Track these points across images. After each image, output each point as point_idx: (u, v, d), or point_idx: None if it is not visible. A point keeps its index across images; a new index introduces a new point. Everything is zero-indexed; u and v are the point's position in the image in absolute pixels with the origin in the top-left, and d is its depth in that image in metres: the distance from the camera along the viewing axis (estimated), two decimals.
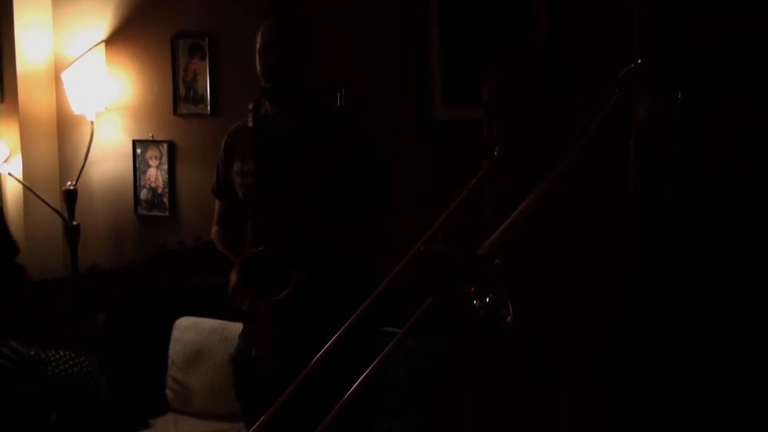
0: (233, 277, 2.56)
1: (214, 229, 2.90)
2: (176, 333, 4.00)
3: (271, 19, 2.64)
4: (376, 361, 1.78)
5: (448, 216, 1.93)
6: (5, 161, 4.25)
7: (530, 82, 1.96)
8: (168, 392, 3.97)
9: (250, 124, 2.62)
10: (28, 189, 4.31)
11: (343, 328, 1.92)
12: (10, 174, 4.28)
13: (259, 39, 2.65)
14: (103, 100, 4.34)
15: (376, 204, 2.62)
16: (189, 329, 3.99)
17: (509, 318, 1.61)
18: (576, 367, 1.97)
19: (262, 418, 1.92)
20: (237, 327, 3.88)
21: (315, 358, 1.95)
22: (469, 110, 3.57)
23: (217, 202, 2.92)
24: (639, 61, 2.05)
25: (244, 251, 2.61)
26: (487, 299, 1.67)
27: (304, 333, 2.34)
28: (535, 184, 1.86)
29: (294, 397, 1.94)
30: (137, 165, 4.41)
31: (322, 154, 2.60)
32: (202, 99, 4.27)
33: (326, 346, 1.93)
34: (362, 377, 1.79)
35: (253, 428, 1.92)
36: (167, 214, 4.36)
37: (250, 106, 2.64)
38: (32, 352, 3.83)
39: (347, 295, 2.20)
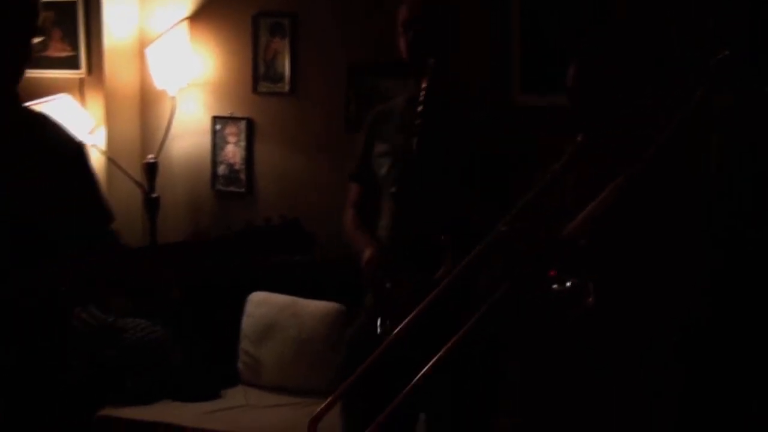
0: (370, 253, 2.55)
1: (350, 212, 2.85)
2: (249, 307, 4.07)
3: None
4: (456, 336, 1.82)
5: (530, 199, 1.94)
6: (90, 133, 4.36)
7: (612, 70, 1.96)
8: (240, 365, 4.05)
9: (403, 102, 2.64)
10: (111, 161, 4.42)
11: (423, 303, 1.96)
12: (94, 145, 4.38)
13: (401, 16, 2.64)
14: (186, 76, 4.41)
15: (509, 183, 2.57)
16: (261, 304, 4.07)
17: (590, 299, 1.62)
18: (627, 361, 1.96)
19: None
20: (308, 304, 3.99)
21: (398, 329, 2.01)
22: (548, 96, 3.56)
23: (352, 186, 2.89)
24: (726, 53, 2.03)
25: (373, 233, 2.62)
26: (567, 284, 1.68)
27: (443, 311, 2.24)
28: (616, 171, 1.86)
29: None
30: (216, 141, 4.49)
31: (470, 131, 2.59)
32: (282, 77, 4.32)
33: (408, 318, 1.98)
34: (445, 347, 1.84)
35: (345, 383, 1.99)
36: (244, 190, 4.43)
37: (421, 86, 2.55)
38: (111, 319, 3.95)
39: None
